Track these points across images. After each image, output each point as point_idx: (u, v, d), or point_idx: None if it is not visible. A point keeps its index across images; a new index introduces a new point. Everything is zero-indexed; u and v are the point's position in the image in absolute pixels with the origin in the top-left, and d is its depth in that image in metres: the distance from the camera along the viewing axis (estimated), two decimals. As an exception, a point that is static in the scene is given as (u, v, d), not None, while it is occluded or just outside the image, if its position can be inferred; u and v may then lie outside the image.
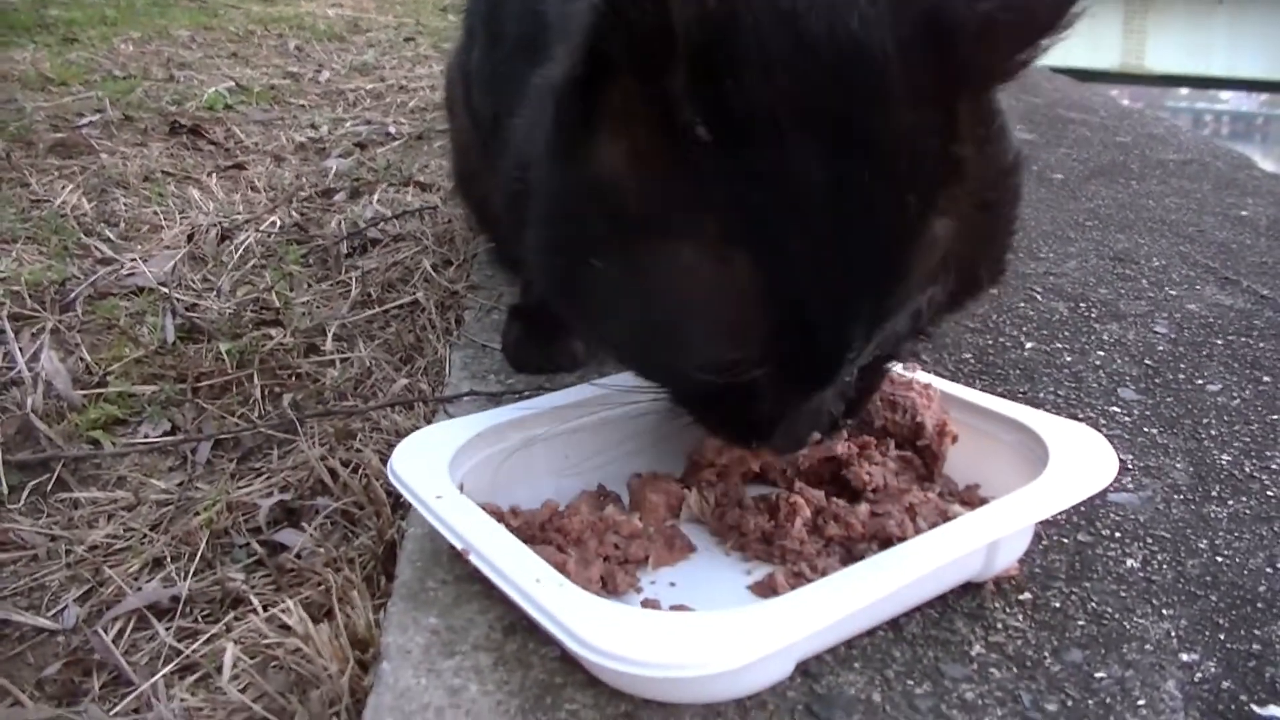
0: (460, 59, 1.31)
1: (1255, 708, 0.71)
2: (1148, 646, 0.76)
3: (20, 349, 1.35)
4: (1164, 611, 0.80)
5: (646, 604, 0.77)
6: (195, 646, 0.87)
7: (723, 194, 0.65)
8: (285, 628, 0.86)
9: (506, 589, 0.69)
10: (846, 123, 0.64)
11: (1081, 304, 1.41)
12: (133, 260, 1.66)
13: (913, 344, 0.81)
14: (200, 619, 0.92)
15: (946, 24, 0.65)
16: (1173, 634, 0.78)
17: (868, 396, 0.82)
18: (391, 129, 2.53)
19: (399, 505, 0.97)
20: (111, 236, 1.77)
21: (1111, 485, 0.82)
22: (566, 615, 0.64)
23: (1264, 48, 17.36)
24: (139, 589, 0.95)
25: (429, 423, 1.12)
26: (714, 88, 0.63)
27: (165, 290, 1.52)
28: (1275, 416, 1.12)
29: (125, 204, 1.93)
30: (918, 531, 0.82)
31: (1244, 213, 1.95)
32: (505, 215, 0.86)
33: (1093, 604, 0.81)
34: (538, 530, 0.81)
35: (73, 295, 1.51)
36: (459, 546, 0.74)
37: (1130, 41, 17.87)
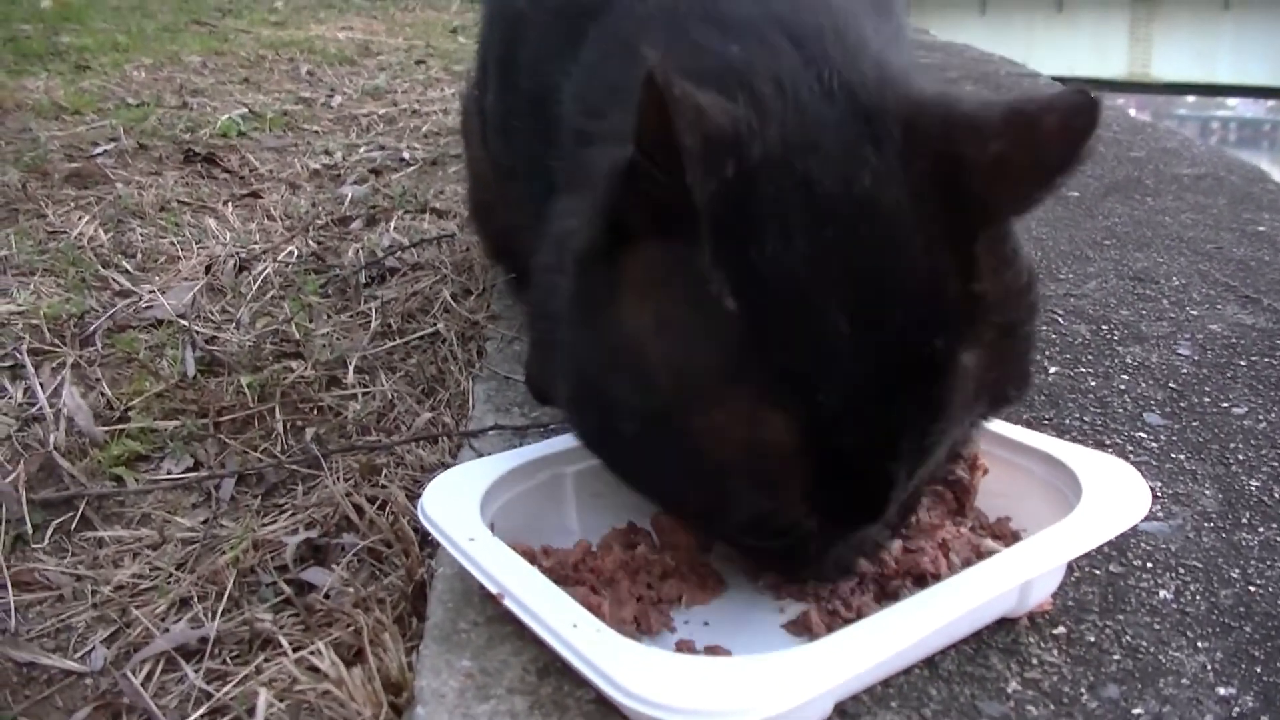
0: (475, 91, 1.31)
1: (1297, 745, 0.71)
2: (1184, 680, 0.76)
3: (41, 384, 1.35)
4: (1199, 644, 0.80)
5: (681, 645, 0.77)
6: (226, 689, 0.87)
7: (754, 359, 0.65)
8: (314, 669, 0.85)
9: (543, 634, 0.69)
10: (868, 278, 0.65)
11: (1103, 326, 1.41)
12: (151, 292, 1.66)
13: (950, 468, 0.82)
14: (229, 660, 0.92)
15: (958, 169, 0.67)
16: (1209, 667, 0.77)
17: (909, 516, 0.83)
18: (406, 154, 2.53)
19: (426, 543, 0.97)
20: (129, 268, 1.78)
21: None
22: (606, 662, 0.64)
23: (1270, 54, 17.37)
24: (167, 630, 0.95)
25: (454, 457, 1.12)
26: (738, 258, 0.65)
27: (184, 323, 1.53)
28: (1303, 440, 1.12)
29: (142, 234, 1.94)
30: (951, 567, 0.82)
31: (1261, 228, 1.94)
32: (532, 350, 0.86)
33: (1127, 637, 0.80)
34: (571, 570, 0.81)
35: (92, 329, 1.52)
36: (494, 591, 0.73)
37: (1136, 50, 17.90)
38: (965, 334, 0.68)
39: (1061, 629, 0.81)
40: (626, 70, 0.72)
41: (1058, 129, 0.66)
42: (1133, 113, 3.63)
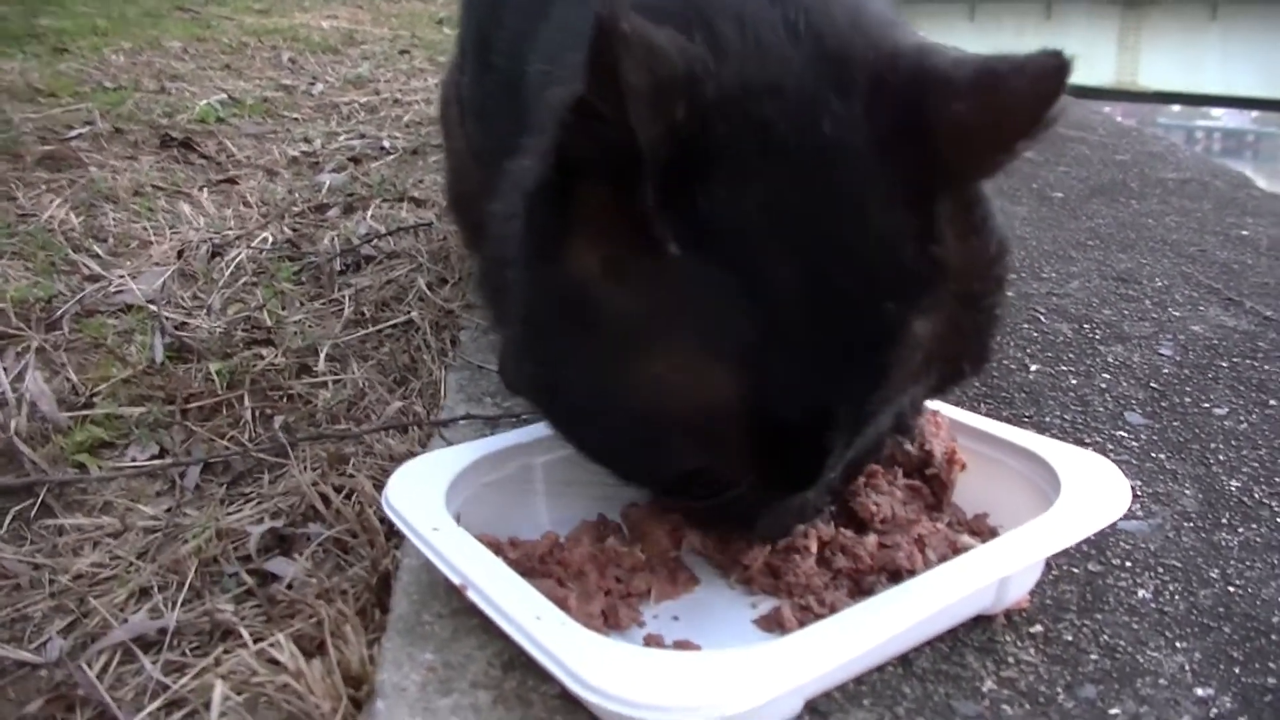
0: (454, 77, 1.29)
1: (1276, 748, 0.69)
2: (1162, 681, 0.74)
3: (4, 369, 1.33)
4: (1177, 644, 0.78)
5: (649, 639, 0.75)
6: (183, 681, 0.84)
7: (698, 307, 0.63)
8: (274, 662, 0.83)
9: (506, 627, 0.67)
10: (821, 230, 0.63)
11: (1085, 325, 1.40)
12: (121, 277, 1.63)
13: (895, 440, 0.80)
14: (188, 651, 0.89)
15: (920, 126, 0.64)
16: (1187, 668, 0.76)
17: (851, 482, 0.81)
18: (386, 143, 2.51)
19: (393, 534, 0.95)
20: (100, 252, 1.75)
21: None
22: (569, 656, 0.62)
23: (1256, 65, 17.47)
24: (125, 620, 0.93)
25: (424, 447, 1.10)
26: (685, 200, 0.62)
27: (154, 308, 1.50)
28: (1284, 441, 1.11)
29: (114, 219, 1.91)
30: (927, 563, 0.80)
31: (1244, 232, 1.93)
32: (486, 308, 0.84)
33: (1105, 637, 0.79)
34: (537, 563, 0.79)
35: (59, 313, 1.49)
36: (457, 582, 0.71)
37: (1124, 59, 17.97)
38: (919, 300, 0.65)
39: (1039, 627, 0.79)
40: (586, 10, 0.69)
41: (1026, 91, 0.63)
42: (1119, 118, 3.62)
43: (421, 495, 0.80)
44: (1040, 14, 18.35)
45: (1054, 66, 0.62)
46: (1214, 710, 0.72)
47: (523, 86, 0.90)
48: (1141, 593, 0.84)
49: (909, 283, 0.65)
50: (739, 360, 0.64)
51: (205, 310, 1.53)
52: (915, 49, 0.69)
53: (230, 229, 1.88)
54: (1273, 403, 1.20)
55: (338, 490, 1.06)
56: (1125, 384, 1.23)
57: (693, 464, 0.70)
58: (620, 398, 0.68)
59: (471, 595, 0.70)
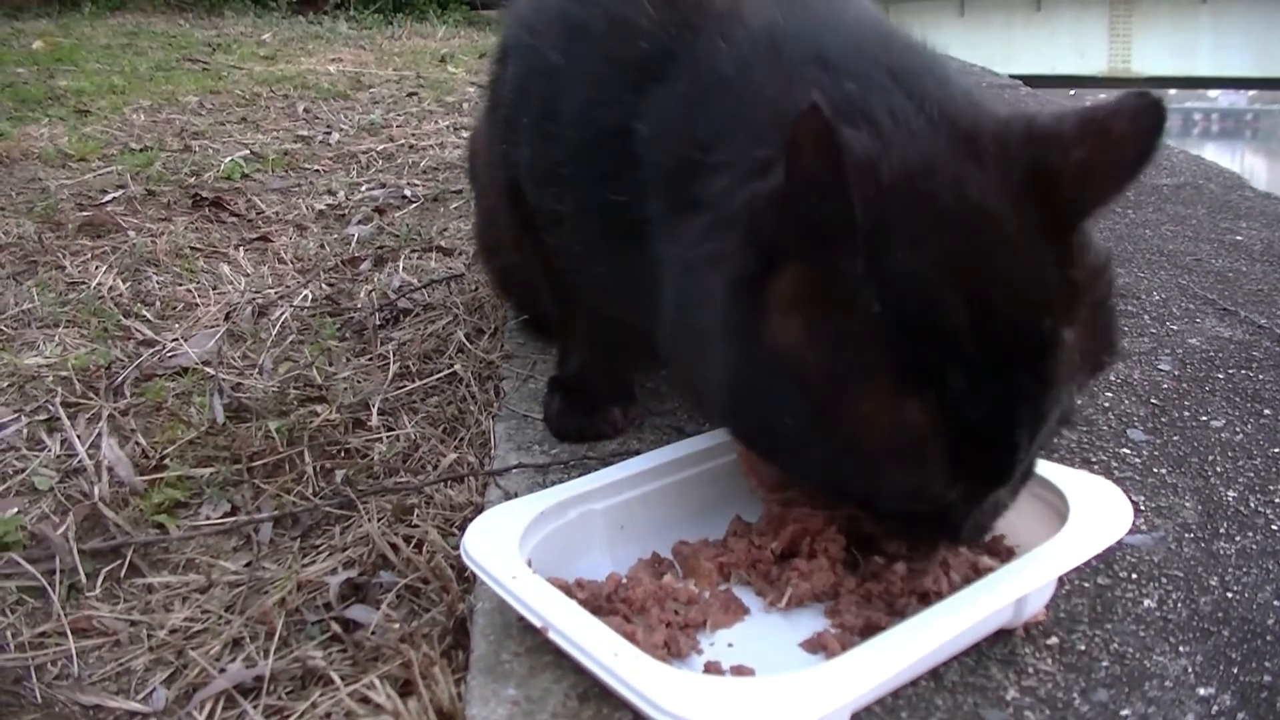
0: (491, 133, 1.34)
1: (1271, 739, 0.78)
2: (1167, 683, 0.83)
3: (79, 436, 1.42)
4: (1181, 649, 0.87)
5: (709, 666, 0.84)
6: (286, 724, 0.93)
7: (891, 353, 0.75)
8: (366, 700, 0.92)
9: (588, 664, 0.76)
10: (983, 272, 0.76)
11: (1087, 344, 1.48)
12: (174, 340, 1.73)
13: (1062, 432, 0.90)
14: (284, 696, 0.98)
15: (1048, 175, 0.78)
16: (1190, 670, 0.84)
17: (1027, 479, 0.90)
18: (407, 191, 2.61)
19: (463, 578, 1.04)
20: (149, 316, 1.85)
21: (1127, 528, 0.90)
22: (647, 687, 0.71)
23: (1249, 45, 17.48)
24: (223, 670, 1.02)
25: (481, 495, 1.19)
26: (879, 267, 0.74)
27: (210, 370, 1.59)
28: (1277, 450, 1.19)
29: (159, 282, 2.01)
30: (951, 585, 0.89)
31: (1239, 237, 2.02)
32: (664, 346, 0.98)
33: (1115, 645, 0.87)
34: (604, 601, 0.88)
35: (120, 379, 1.58)
36: (538, 625, 0.80)
37: (1116, 47, 18.00)
38: (1066, 314, 0.78)
39: (1055, 639, 0.88)
40: (741, 106, 0.89)
41: (1129, 130, 0.79)
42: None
43: (497, 545, 0.89)
44: (1030, 6, 18.40)
45: (1149, 104, 0.78)
46: (1215, 708, 0.80)
47: (610, 151, 1.01)
48: (1147, 602, 0.93)
49: (1057, 300, 0.78)
50: (930, 389, 0.75)
51: (257, 370, 1.62)
52: (1019, 115, 0.84)
53: (270, 287, 1.98)
54: (1267, 412, 1.28)
55: (406, 540, 1.15)
56: (1127, 401, 1.31)
57: (905, 484, 0.81)
58: (835, 439, 0.79)
59: (553, 636, 0.79)
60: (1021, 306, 0.76)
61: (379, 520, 1.20)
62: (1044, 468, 0.98)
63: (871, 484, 0.82)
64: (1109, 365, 0.88)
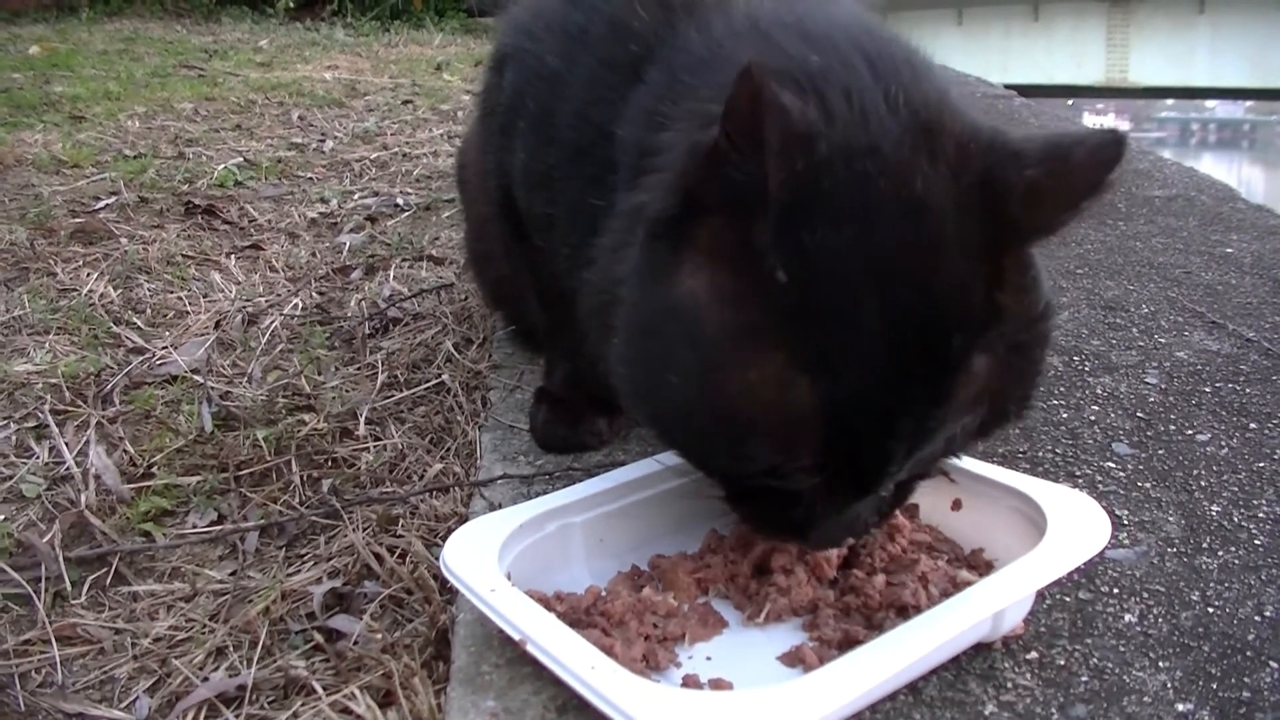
0: (484, 141, 1.34)
1: (1247, 755, 0.78)
2: (1146, 699, 0.83)
3: (66, 444, 1.42)
4: (1160, 664, 0.87)
5: (687, 680, 0.84)
6: (267, 734, 0.94)
7: (792, 328, 0.74)
8: (347, 711, 0.93)
9: (566, 677, 0.76)
10: (906, 270, 0.74)
11: (1075, 357, 1.49)
12: (164, 349, 1.73)
13: (942, 464, 0.90)
14: (266, 705, 0.98)
15: (997, 188, 0.77)
16: (1169, 685, 0.84)
17: (898, 505, 0.90)
18: (399, 200, 2.61)
19: (446, 590, 1.04)
20: (140, 324, 1.85)
21: (1109, 542, 0.90)
22: (625, 701, 0.71)
23: (1246, 55, 17.53)
24: (206, 679, 1.02)
25: (466, 506, 1.19)
26: (795, 239, 0.73)
27: (199, 379, 1.59)
28: (1261, 464, 1.19)
29: (150, 289, 2.01)
30: (930, 598, 0.89)
31: (1229, 250, 2.02)
32: (588, 321, 0.95)
33: (1094, 659, 0.88)
34: (583, 614, 0.88)
35: (109, 386, 1.58)
36: (516, 638, 0.81)
37: (1113, 56, 18.04)
38: (981, 338, 0.77)
39: (1034, 653, 0.88)
40: (706, 68, 0.89)
41: (1087, 161, 0.77)
42: (1112, 118, 3.70)
43: (476, 558, 0.89)
44: (1027, 16, 18.45)
45: (1113, 140, 0.77)
46: (1193, 722, 0.81)
47: (595, 152, 1.01)
48: (1128, 617, 0.93)
49: (975, 320, 0.76)
50: (823, 374, 0.74)
51: (246, 378, 1.62)
52: (991, 127, 0.82)
53: (261, 295, 1.98)
54: (1253, 426, 1.29)
55: (390, 550, 1.15)
56: (1113, 415, 1.31)
57: (770, 461, 0.80)
58: (715, 400, 0.78)
59: (531, 649, 0.79)
60: (937, 315, 0.75)
61: (364, 530, 1.20)
62: (1022, 481, 0.99)
63: (736, 456, 0.81)
64: (1015, 420, 0.88)
